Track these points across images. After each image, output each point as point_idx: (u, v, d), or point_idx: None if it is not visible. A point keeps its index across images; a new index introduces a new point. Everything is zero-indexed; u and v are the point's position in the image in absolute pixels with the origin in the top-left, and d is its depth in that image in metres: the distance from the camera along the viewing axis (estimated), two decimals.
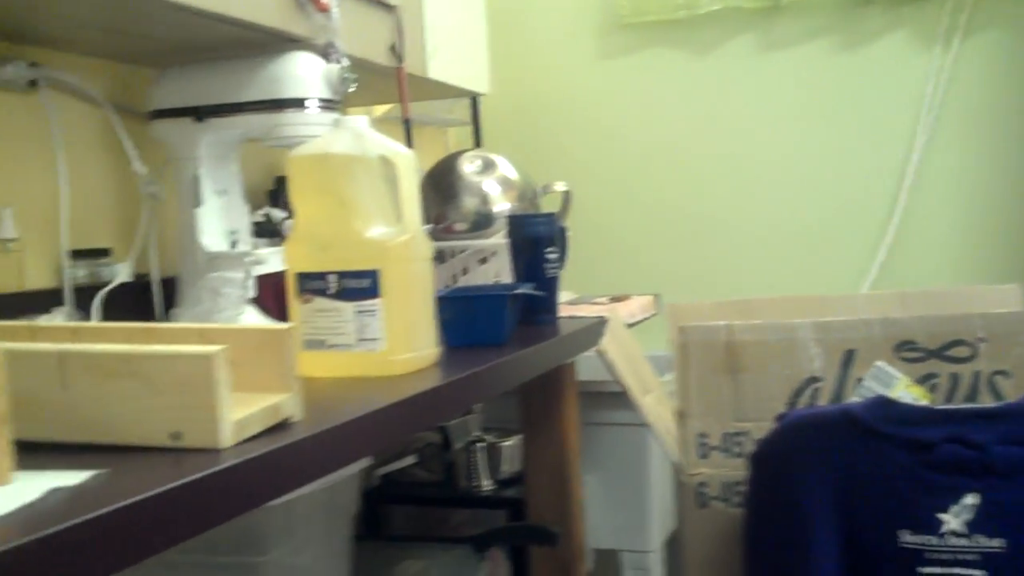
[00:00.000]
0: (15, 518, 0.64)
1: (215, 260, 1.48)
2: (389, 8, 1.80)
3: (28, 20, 1.34)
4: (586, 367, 1.83)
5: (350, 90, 1.50)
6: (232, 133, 1.52)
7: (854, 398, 1.35)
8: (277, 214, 1.72)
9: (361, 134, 1.20)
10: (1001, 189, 2.53)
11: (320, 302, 1.17)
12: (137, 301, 1.54)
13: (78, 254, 1.49)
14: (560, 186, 1.95)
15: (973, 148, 2.55)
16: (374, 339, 1.15)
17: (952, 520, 1.19)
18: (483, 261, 1.83)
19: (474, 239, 1.84)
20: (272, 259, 1.47)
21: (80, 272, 1.49)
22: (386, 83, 1.87)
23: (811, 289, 2.37)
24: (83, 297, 1.44)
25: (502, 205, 1.89)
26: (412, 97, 1.92)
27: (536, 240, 1.59)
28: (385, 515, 2.16)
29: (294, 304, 1.19)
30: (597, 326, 1.65)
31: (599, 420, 2.14)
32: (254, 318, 1.44)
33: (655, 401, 1.57)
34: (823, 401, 1.36)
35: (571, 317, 1.71)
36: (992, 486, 1.19)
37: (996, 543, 1.17)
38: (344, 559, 1.55)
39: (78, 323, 1.32)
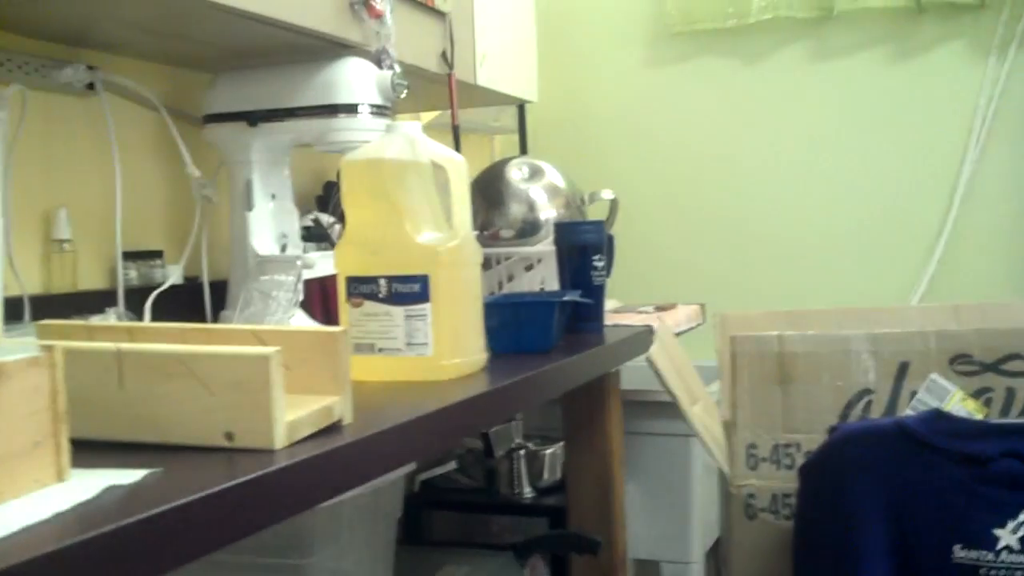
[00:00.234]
0: (71, 515, 0.64)
1: (265, 263, 1.49)
2: (440, 15, 1.81)
3: (86, 24, 1.36)
4: (629, 376, 1.82)
5: (402, 96, 1.50)
6: (284, 138, 1.53)
7: (907, 411, 1.33)
8: (326, 219, 1.73)
9: (414, 140, 1.20)
10: None
11: (370, 306, 1.17)
12: (187, 303, 1.56)
13: (130, 256, 1.51)
14: (607, 194, 1.94)
15: None
16: (423, 344, 1.16)
17: (1008, 536, 1.16)
18: (529, 268, 1.83)
19: (520, 246, 1.84)
20: (320, 263, 1.48)
21: (132, 273, 1.50)
22: (435, 89, 1.88)
23: (858, 301, 2.34)
24: (134, 298, 1.46)
25: (548, 212, 1.89)
26: (460, 104, 1.92)
27: (584, 248, 1.58)
28: (427, 520, 2.16)
29: (344, 308, 1.19)
30: (644, 335, 1.64)
31: (641, 430, 2.13)
32: (303, 321, 1.45)
33: (703, 411, 1.56)
34: (876, 414, 1.35)
35: (616, 325, 1.71)
36: None
37: None
38: (387, 564, 1.55)
39: (133, 323, 1.33)
